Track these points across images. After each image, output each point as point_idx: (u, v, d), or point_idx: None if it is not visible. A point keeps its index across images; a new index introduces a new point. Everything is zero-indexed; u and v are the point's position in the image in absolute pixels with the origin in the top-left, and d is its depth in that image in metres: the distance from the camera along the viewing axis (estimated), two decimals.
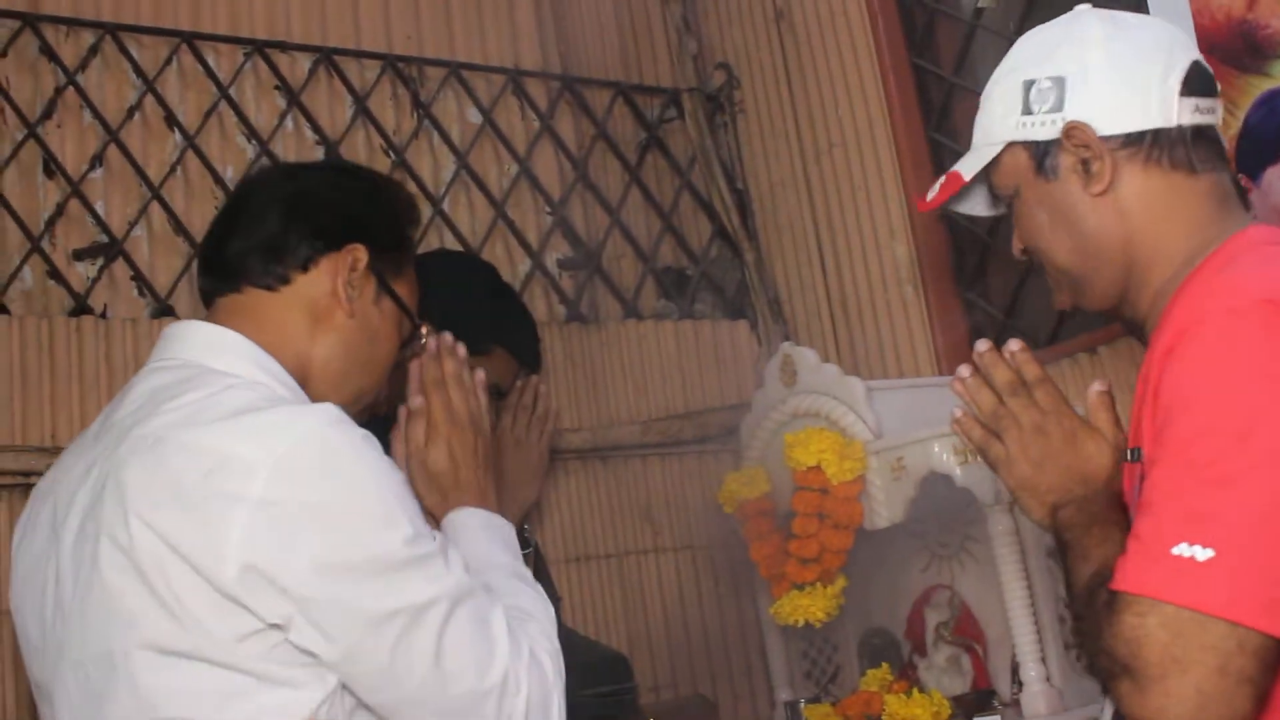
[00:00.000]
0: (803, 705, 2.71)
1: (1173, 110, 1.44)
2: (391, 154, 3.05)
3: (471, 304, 2.39)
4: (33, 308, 2.61)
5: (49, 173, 2.69)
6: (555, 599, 2.77)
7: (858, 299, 3.17)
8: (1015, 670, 2.57)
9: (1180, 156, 1.44)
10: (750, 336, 3.36)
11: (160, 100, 2.81)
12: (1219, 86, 1.50)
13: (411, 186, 3.05)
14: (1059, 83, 1.46)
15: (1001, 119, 1.51)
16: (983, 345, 1.57)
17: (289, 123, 2.94)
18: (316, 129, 2.96)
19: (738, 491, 2.77)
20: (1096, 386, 1.55)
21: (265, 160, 2.86)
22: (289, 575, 1.36)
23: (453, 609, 1.42)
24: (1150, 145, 1.44)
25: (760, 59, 3.41)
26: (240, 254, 1.60)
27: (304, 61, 3.00)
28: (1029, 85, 1.48)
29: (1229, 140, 2.41)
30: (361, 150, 3.02)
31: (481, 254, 3.08)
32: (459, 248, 3.06)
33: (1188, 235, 1.44)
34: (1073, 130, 1.45)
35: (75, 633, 1.45)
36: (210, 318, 1.60)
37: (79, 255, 2.69)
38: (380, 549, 1.39)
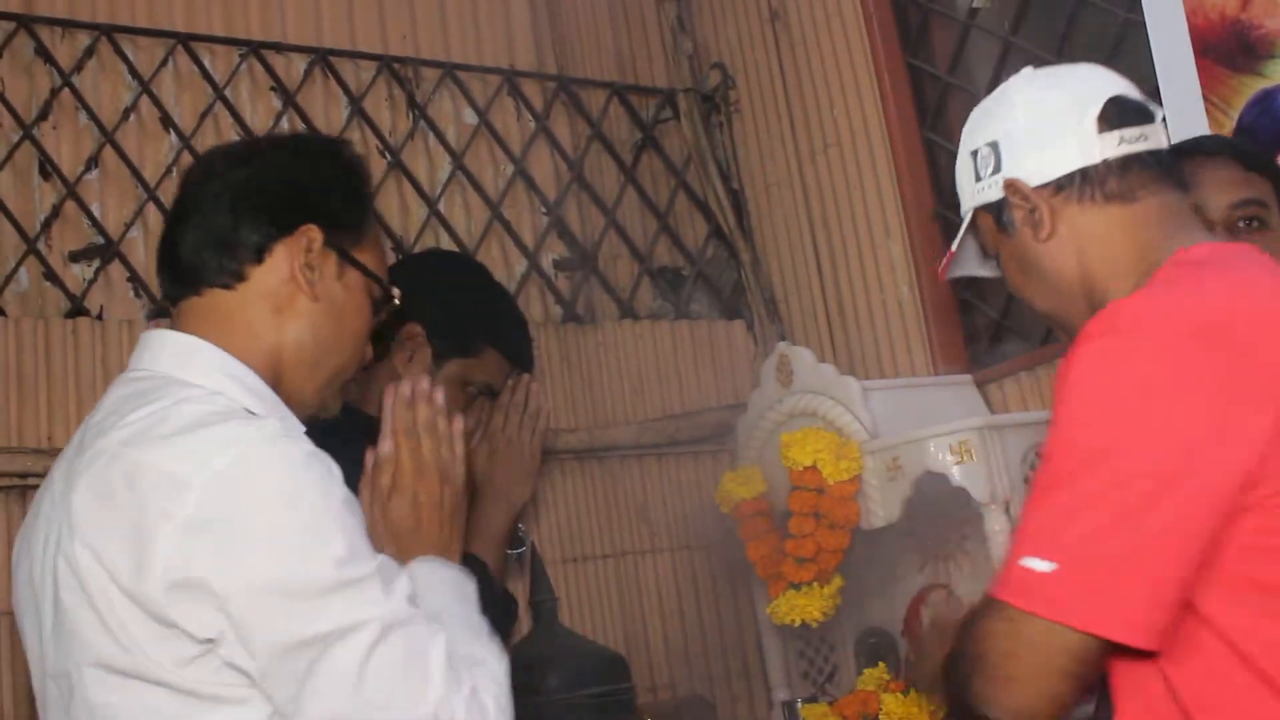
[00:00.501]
0: (800, 705, 2.72)
1: (1094, 148, 1.51)
2: (387, 154, 3.05)
3: (463, 304, 2.39)
4: (29, 309, 2.61)
5: (45, 174, 2.69)
6: (552, 599, 2.78)
7: (853, 299, 3.18)
8: None
9: (1112, 189, 1.51)
10: (746, 336, 3.36)
11: (156, 101, 2.81)
12: (1154, 111, 1.56)
13: (407, 187, 3.06)
14: (994, 147, 1.58)
15: (965, 189, 1.63)
16: None
17: (285, 123, 2.94)
18: (312, 129, 2.96)
19: (734, 491, 2.77)
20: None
21: None
22: (215, 593, 1.34)
23: (384, 634, 1.36)
24: (1080, 184, 1.52)
25: (755, 59, 3.42)
26: (192, 255, 1.56)
27: (299, 62, 3.01)
28: (974, 154, 1.61)
29: None
30: (357, 150, 3.00)
31: (477, 254, 3.08)
32: (454, 248, 3.06)
33: (1137, 259, 1.50)
34: (1010, 187, 1.56)
35: (49, 645, 1.47)
36: (177, 323, 1.56)
37: (75, 257, 2.69)
38: (307, 571, 1.35)
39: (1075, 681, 1.31)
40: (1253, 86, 2.40)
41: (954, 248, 1.67)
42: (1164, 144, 1.55)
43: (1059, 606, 1.28)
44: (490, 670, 1.48)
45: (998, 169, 1.56)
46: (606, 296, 3.27)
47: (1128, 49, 2.67)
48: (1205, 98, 2.46)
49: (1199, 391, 1.28)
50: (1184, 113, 2.49)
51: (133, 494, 1.36)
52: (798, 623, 2.63)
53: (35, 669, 1.53)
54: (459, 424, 1.70)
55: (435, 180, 3.12)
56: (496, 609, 2.38)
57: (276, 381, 1.55)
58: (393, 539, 1.61)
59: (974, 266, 1.73)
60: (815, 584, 2.62)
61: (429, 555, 1.61)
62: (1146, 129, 1.53)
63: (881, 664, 2.77)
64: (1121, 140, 1.51)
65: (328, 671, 1.34)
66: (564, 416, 3.06)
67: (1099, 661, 1.32)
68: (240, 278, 1.54)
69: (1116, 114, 1.52)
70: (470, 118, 3.20)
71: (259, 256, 1.55)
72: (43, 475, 2.37)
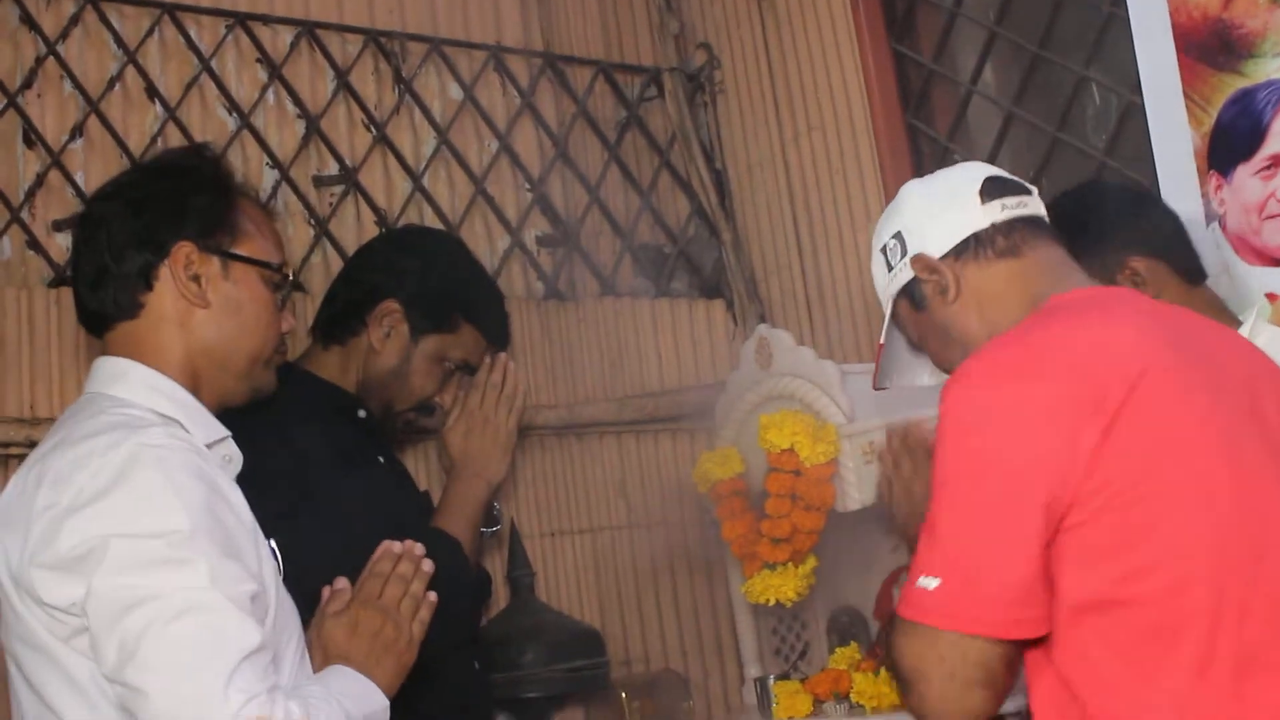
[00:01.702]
0: (772, 682, 2.74)
1: (981, 216, 1.70)
2: (372, 129, 3.05)
3: (440, 280, 2.41)
4: (12, 278, 2.61)
5: (29, 143, 2.68)
6: (529, 574, 2.81)
7: (833, 282, 3.20)
8: None
9: (1001, 246, 1.69)
10: (726, 316, 3.39)
11: (141, 71, 2.80)
12: (1030, 188, 1.74)
13: (392, 162, 3.07)
14: (899, 237, 1.76)
15: (882, 286, 1.80)
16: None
17: (270, 96, 2.94)
18: (298, 102, 2.96)
19: (711, 471, 2.80)
20: None
21: (246, 133, 2.87)
22: (75, 569, 1.51)
23: (184, 612, 1.48)
24: (975, 247, 1.70)
25: (741, 39, 3.43)
26: (90, 300, 1.76)
27: (286, 35, 2.99)
28: (884, 249, 1.79)
29: (1203, 137, 2.46)
30: (342, 124, 3.02)
31: (460, 229, 3.09)
32: (438, 223, 3.07)
33: (1021, 304, 1.66)
34: (917, 260, 1.73)
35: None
36: (110, 350, 1.76)
37: (59, 226, 2.68)
38: (142, 545, 1.51)
39: (985, 690, 1.44)
40: (1232, 85, 2.43)
41: (882, 340, 1.84)
42: (1042, 213, 1.74)
43: (948, 615, 1.43)
44: (327, 704, 1.58)
45: (904, 253, 1.74)
46: (588, 273, 3.28)
47: (1110, 42, 2.71)
48: (1186, 94, 2.50)
49: (1017, 420, 1.44)
50: (1165, 109, 2.53)
51: (35, 492, 1.58)
52: (772, 602, 2.66)
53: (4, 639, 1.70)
54: (432, 597, 1.84)
55: (420, 155, 3.12)
56: (471, 588, 2.41)
57: (198, 384, 1.75)
58: (321, 651, 1.74)
59: (908, 370, 1.90)
60: (790, 564, 2.65)
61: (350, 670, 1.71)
62: (1025, 199, 1.72)
63: (854, 643, 2.82)
64: (1004, 207, 1.70)
65: (125, 631, 1.48)
66: (543, 393, 3.08)
67: (1004, 666, 1.44)
68: (138, 306, 1.74)
69: (996, 187, 1.72)
70: (456, 93, 3.20)
71: (147, 284, 1.74)
72: (25, 444, 2.42)
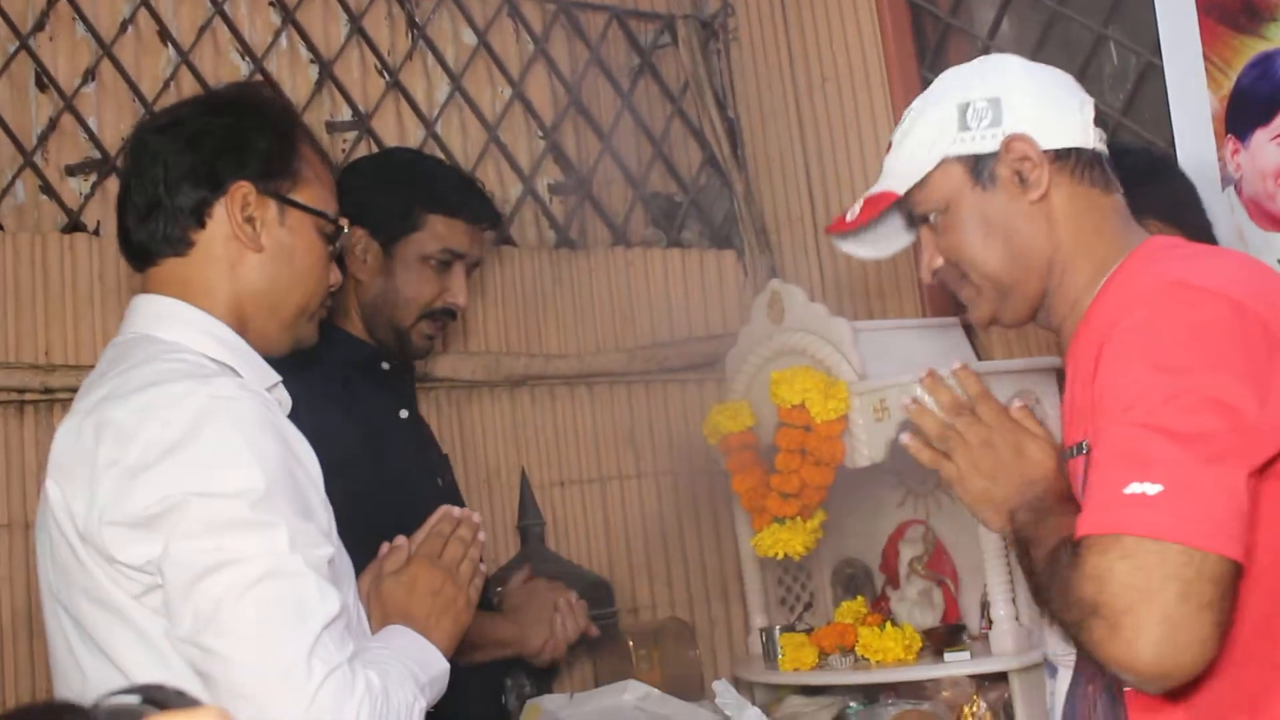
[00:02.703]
0: (778, 633, 2.78)
1: (1090, 134, 1.59)
2: (386, 74, 3.04)
3: (390, 186, 2.37)
4: (25, 224, 2.61)
5: (41, 86, 2.67)
6: (539, 523, 2.84)
7: None
8: (985, 607, 2.65)
9: (1098, 176, 1.59)
10: (737, 266, 3.39)
11: (154, 14, 2.78)
12: None
13: (405, 108, 3.05)
14: (995, 103, 1.58)
15: (934, 140, 1.61)
16: (924, 372, 1.71)
17: (283, 40, 2.92)
18: (311, 47, 2.94)
19: (722, 424, 2.81)
20: (1017, 403, 1.67)
21: (259, 78, 2.85)
22: (149, 527, 1.45)
23: (265, 577, 1.44)
24: (1075, 162, 1.58)
25: None
26: (138, 232, 1.68)
27: None
28: (965, 106, 1.59)
29: (1221, 101, 2.45)
30: (355, 69, 3.01)
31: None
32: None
33: (1103, 245, 1.56)
34: (1014, 143, 1.57)
35: (49, 568, 1.60)
36: (148, 288, 1.69)
37: (72, 171, 2.68)
38: (224, 505, 1.45)
39: (1218, 617, 1.25)
40: (1253, 48, 2.41)
41: (901, 191, 1.63)
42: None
43: (1180, 525, 1.25)
44: (397, 673, 1.55)
45: (996, 123, 1.57)
46: (600, 222, 3.28)
47: (1130, 1, 2.68)
48: (1206, 56, 2.48)
49: (1252, 350, 1.34)
50: (1184, 70, 2.51)
51: (96, 445, 1.50)
52: (780, 556, 2.68)
53: (42, 583, 1.64)
54: (479, 548, 1.82)
55: (433, 101, 3.11)
56: None
57: (244, 329, 1.68)
58: (380, 608, 1.73)
59: (858, 246, 1.76)
60: (798, 518, 2.67)
61: (411, 632, 1.68)
62: (1104, 136, 1.62)
63: (860, 597, 2.85)
64: (1101, 139, 1.61)
65: (202, 595, 1.43)
66: (554, 342, 3.09)
67: (1234, 595, 1.27)
68: (188, 243, 1.67)
69: (1096, 115, 1.61)
70: (469, 39, 3.18)
71: (200, 221, 1.67)
72: (40, 390, 2.44)
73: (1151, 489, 1.26)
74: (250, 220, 1.67)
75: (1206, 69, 2.48)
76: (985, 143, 1.57)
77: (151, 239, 1.67)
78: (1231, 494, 1.28)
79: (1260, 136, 2.40)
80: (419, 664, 1.61)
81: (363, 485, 2.07)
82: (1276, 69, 2.38)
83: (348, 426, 2.20)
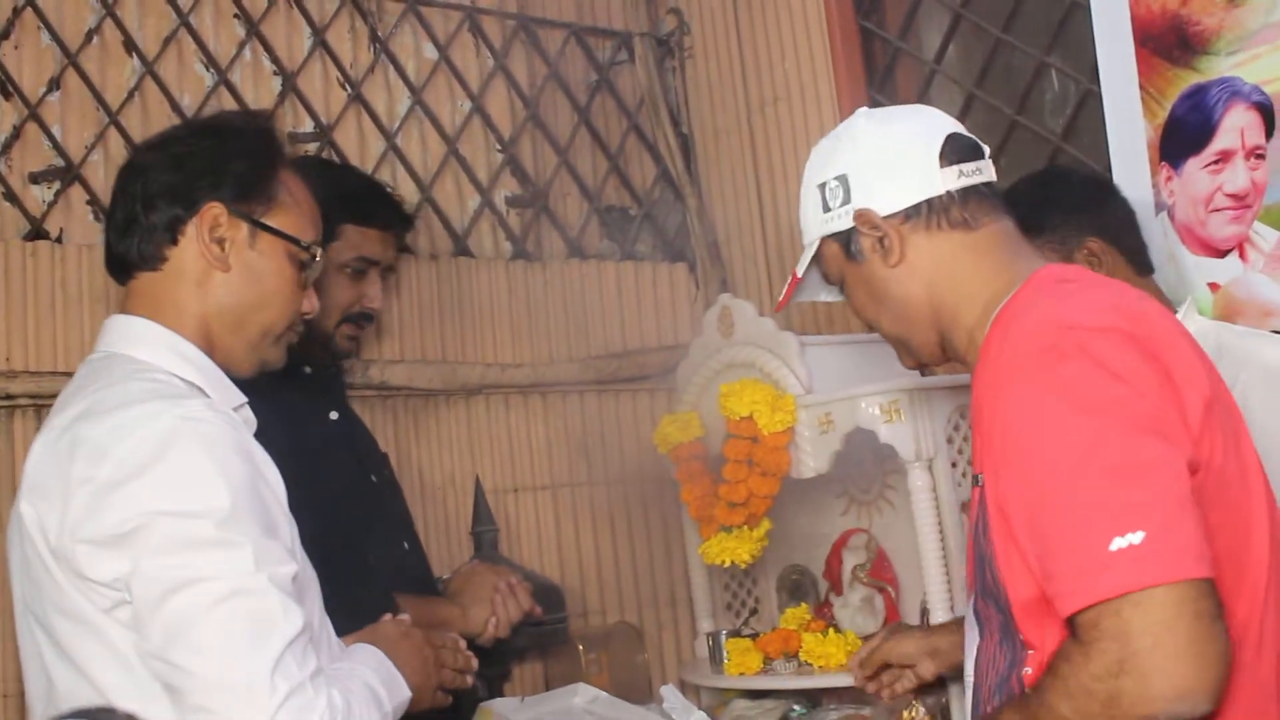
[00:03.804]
0: (724, 637, 2.84)
1: (937, 180, 1.65)
2: (347, 87, 3.09)
3: None
4: None
5: (5, 94, 2.70)
6: (493, 529, 2.89)
7: (794, 250, 3.24)
8: (925, 614, 2.73)
9: (956, 217, 1.65)
10: (688, 279, 3.47)
11: (119, 24, 2.82)
12: (984, 148, 1.69)
13: (366, 120, 3.11)
14: (843, 180, 1.68)
15: (812, 220, 1.73)
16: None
17: (247, 52, 2.97)
18: (274, 59, 2.99)
19: (672, 434, 2.88)
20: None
21: (222, 89, 2.90)
22: (118, 544, 1.50)
23: (229, 596, 1.48)
24: (927, 214, 1.65)
25: (711, 6, 3.48)
26: (117, 244, 1.75)
27: None
28: (822, 187, 1.70)
29: (1156, 129, 2.55)
30: (318, 82, 3.05)
31: (431, 189, 3.15)
32: (410, 182, 3.12)
33: (984, 281, 1.63)
34: (861, 216, 1.66)
35: (21, 581, 1.66)
36: (126, 305, 1.76)
37: (35, 178, 2.71)
38: (191, 524, 1.50)
39: (1222, 625, 1.33)
40: (1186, 80, 2.51)
41: (799, 273, 1.78)
42: (994, 178, 1.69)
43: (1182, 567, 1.31)
44: (360, 686, 1.62)
45: (847, 200, 1.67)
46: (555, 235, 3.35)
47: (1071, 31, 2.78)
48: (1141, 86, 2.57)
49: (1154, 374, 1.41)
50: (1121, 99, 2.60)
51: (70, 463, 1.55)
52: (727, 563, 2.75)
53: (16, 596, 1.69)
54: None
55: (394, 114, 3.16)
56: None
57: (211, 348, 1.73)
58: (369, 638, 1.80)
59: (817, 292, 1.86)
60: (745, 527, 2.74)
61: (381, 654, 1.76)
62: (980, 164, 1.68)
63: (804, 604, 2.92)
64: (961, 174, 1.66)
65: (170, 611, 1.48)
66: (509, 352, 3.15)
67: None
68: (161, 259, 1.73)
69: (955, 150, 1.66)
70: (430, 53, 3.24)
71: (172, 238, 1.73)
72: (0, 397, 2.46)
73: (1135, 538, 1.32)
74: (220, 240, 1.72)
75: (1142, 98, 2.57)
76: (842, 220, 1.68)
77: (128, 252, 1.74)
78: (1195, 514, 1.35)
79: (1192, 165, 2.49)
80: (386, 686, 1.67)
81: (293, 488, 2.13)
82: (1208, 100, 2.47)
83: (276, 430, 2.26)
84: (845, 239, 1.68)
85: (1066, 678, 1.37)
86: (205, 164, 1.74)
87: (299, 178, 1.82)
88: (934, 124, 1.70)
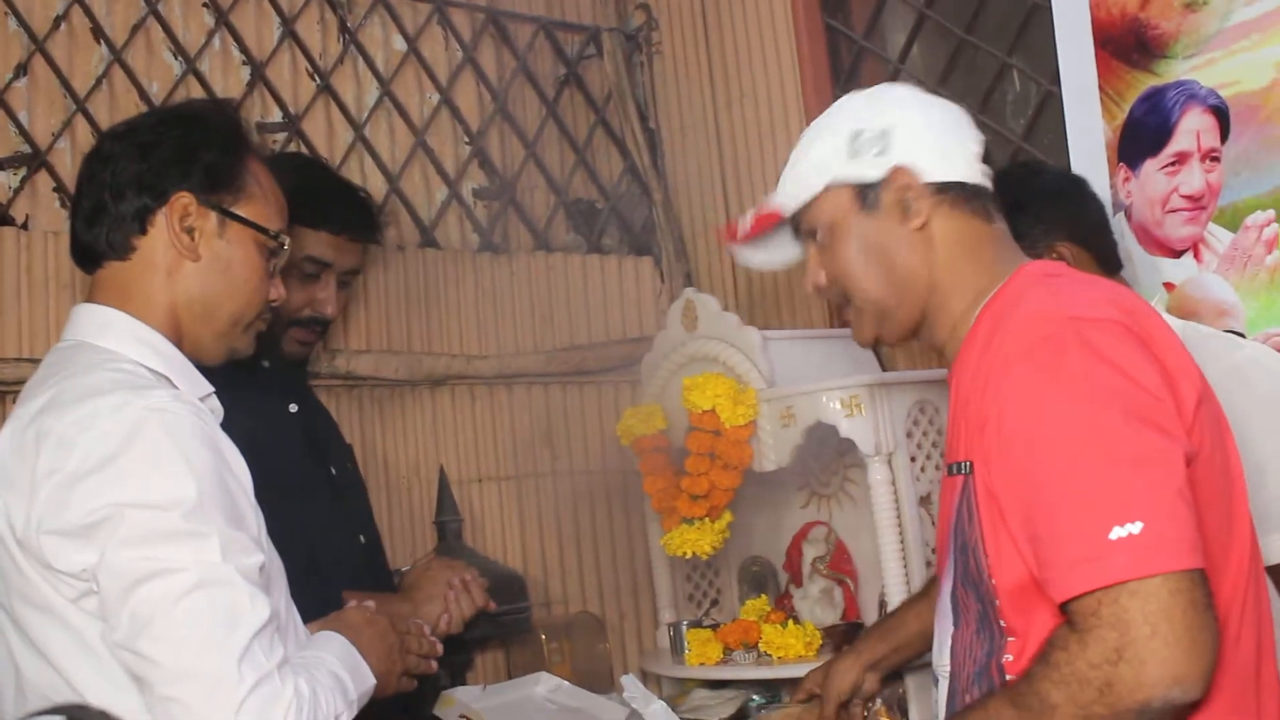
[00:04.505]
0: (685, 628, 2.87)
1: (976, 170, 1.70)
2: (316, 78, 3.10)
3: None
4: None
5: None
6: (456, 519, 2.91)
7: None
8: (883, 606, 2.76)
9: (979, 206, 1.69)
10: (654, 273, 3.49)
11: (88, 11, 2.81)
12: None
13: (334, 111, 3.12)
14: (885, 133, 1.68)
15: (824, 163, 1.70)
16: None
17: (216, 41, 2.97)
18: (243, 49, 3.00)
19: (635, 427, 2.90)
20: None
21: (191, 78, 2.90)
22: (85, 535, 1.51)
23: (197, 586, 1.49)
24: (958, 195, 1.68)
25: (679, 2, 3.51)
26: (85, 234, 1.76)
27: None
28: (856, 134, 1.69)
29: (1115, 130, 2.59)
30: (287, 72, 3.06)
31: (399, 181, 3.16)
32: (377, 173, 3.13)
33: (981, 271, 1.67)
34: (899, 173, 1.67)
35: None
36: (93, 295, 1.76)
37: (1, 164, 2.70)
38: (155, 516, 1.50)
39: (1215, 613, 1.37)
40: (1145, 82, 2.55)
41: (788, 213, 1.74)
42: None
43: (1180, 557, 1.35)
44: (327, 674, 1.63)
45: (884, 153, 1.66)
46: (522, 227, 3.37)
47: (1033, 33, 2.82)
48: (1101, 88, 2.62)
49: (1153, 365, 1.45)
50: (1080, 100, 2.65)
51: (36, 454, 1.55)
52: (689, 555, 2.77)
53: None
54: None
55: (362, 105, 3.17)
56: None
57: (179, 337, 1.74)
58: (334, 625, 1.81)
59: (753, 256, 1.87)
60: (707, 519, 2.76)
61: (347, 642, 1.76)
62: (991, 171, 1.73)
63: (764, 595, 2.96)
64: (985, 174, 1.72)
65: (138, 602, 1.49)
66: (475, 343, 3.17)
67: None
68: (130, 249, 1.73)
69: (986, 152, 1.73)
70: (400, 45, 3.25)
71: (141, 227, 1.73)
72: None
73: (1135, 528, 1.35)
74: (189, 230, 1.73)
75: (1101, 100, 2.62)
76: (871, 170, 1.67)
77: (95, 242, 1.74)
78: (1191, 506, 1.39)
79: (1149, 166, 2.54)
80: (351, 674, 1.68)
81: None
82: (1166, 103, 2.52)
83: (227, 424, 2.27)
84: (862, 188, 1.68)
85: (1060, 665, 1.40)
86: (174, 153, 1.74)
87: (265, 166, 1.83)
88: (970, 122, 1.75)
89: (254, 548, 1.57)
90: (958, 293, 1.67)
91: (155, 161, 1.74)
